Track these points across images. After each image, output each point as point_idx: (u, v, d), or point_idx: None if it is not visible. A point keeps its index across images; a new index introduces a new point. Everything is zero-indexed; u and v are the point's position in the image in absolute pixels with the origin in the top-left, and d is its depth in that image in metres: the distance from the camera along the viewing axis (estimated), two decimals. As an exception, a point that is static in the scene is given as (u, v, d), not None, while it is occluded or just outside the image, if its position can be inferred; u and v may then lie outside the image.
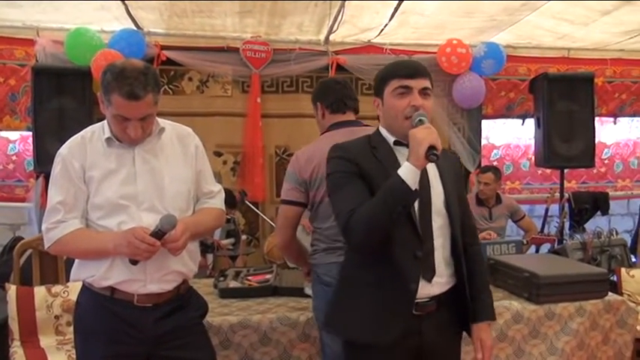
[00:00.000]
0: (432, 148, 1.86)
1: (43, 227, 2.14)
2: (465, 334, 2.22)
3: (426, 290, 2.04)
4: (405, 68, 2.07)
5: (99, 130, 2.19)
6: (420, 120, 1.96)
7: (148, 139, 2.17)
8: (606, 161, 6.15)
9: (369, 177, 2.02)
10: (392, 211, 1.89)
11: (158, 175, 2.16)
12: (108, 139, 2.14)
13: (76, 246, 2.12)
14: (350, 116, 2.73)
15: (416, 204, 2.00)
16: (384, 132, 2.14)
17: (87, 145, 2.15)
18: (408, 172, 1.88)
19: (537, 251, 4.86)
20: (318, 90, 2.85)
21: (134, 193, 2.12)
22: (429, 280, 2.03)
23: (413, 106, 2.01)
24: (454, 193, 2.12)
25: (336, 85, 2.80)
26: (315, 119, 2.86)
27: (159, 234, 2.00)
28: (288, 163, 2.70)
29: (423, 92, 2.04)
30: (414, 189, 1.88)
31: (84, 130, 2.21)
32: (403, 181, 1.87)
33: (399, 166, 1.95)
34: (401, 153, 2.06)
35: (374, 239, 1.96)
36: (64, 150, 2.16)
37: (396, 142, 2.10)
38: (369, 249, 2.03)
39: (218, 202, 2.37)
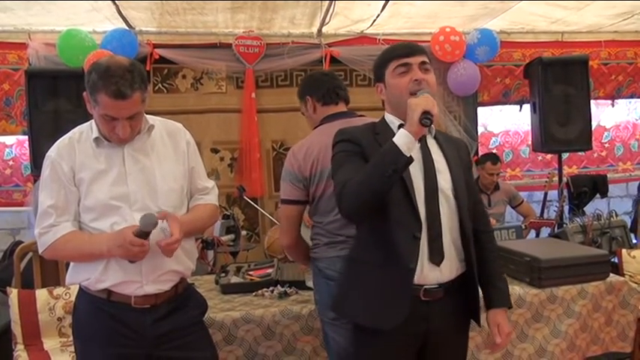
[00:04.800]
0: (426, 112, 1.88)
1: (36, 232, 2.11)
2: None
3: (435, 276, 2.03)
4: (401, 48, 2.12)
5: (87, 130, 2.15)
6: (424, 94, 1.98)
7: (137, 137, 2.14)
8: (607, 145, 6.12)
9: (370, 160, 2.02)
10: (382, 173, 1.89)
11: (149, 174, 2.13)
12: (96, 139, 2.11)
13: (70, 249, 2.09)
14: (342, 107, 2.71)
15: (422, 188, 2.02)
16: (389, 118, 2.17)
17: (75, 146, 2.11)
18: (401, 137, 1.90)
19: (537, 236, 4.86)
20: (306, 84, 2.81)
21: (125, 194, 2.09)
22: (438, 264, 2.03)
23: (415, 81, 2.04)
24: (461, 179, 2.11)
25: (324, 76, 2.78)
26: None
27: (143, 234, 1.97)
28: (286, 157, 2.68)
29: (423, 67, 2.07)
30: (408, 155, 1.88)
31: (72, 131, 2.17)
32: (395, 145, 1.88)
33: None
34: None
35: (364, 204, 1.95)
36: (52, 152, 2.12)
37: (401, 126, 2.05)
38: (360, 215, 2.03)
39: (212, 198, 2.35)
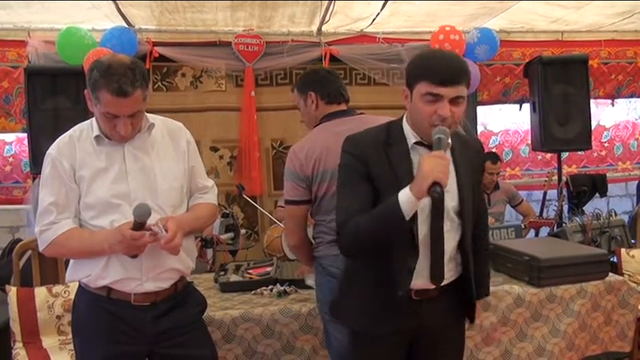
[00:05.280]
0: (435, 184, 1.76)
1: (36, 229, 2.12)
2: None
3: (427, 284, 2.04)
4: (438, 72, 1.87)
5: (87, 128, 2.16)
6: (439, 139, 1.84)
7: (137, 136, 2.14)
8: (606, 144, 6.12)
9: (377, 179, 1.97)
10: (381, 232, 1.89)
11: (150, 173, 2.14)
12: (97, 137, 2.11)
13: (70, 247, 2.10)
14: (343, 107, 2.68)
15: (427, 208, 1.96)
16: (406, 128, 2.02)
17: (76, 144, 2.12)
18: (406, 201, 1.81)
19: (537, 235, 4.86)
20: (310, 79, 2.75)
21: (126, 192, 2.10)
22: (438, 285, 2.03)
23: (439, 116, 1.88)
24: (469, 191, 2.05)
25: (330, 75, 2.76)
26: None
27: (138, 225, 1.97)
28: (285, 156, 2.66)
29: (455, 101, 1.89)
30: (407, 218, 1.84)
31: (72, 129, 2.18)
32: (399, 209, 1.81)
33: (411, 170, 1.92)
34: (418, 153, 1.97)
35: (360, 250, 2.01)
36: (53, 150, 2.13)
37: (417, 143, 1.99)
38: (356, 256, 2.07)
39: (212, 197, 2.37)
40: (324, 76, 2.75)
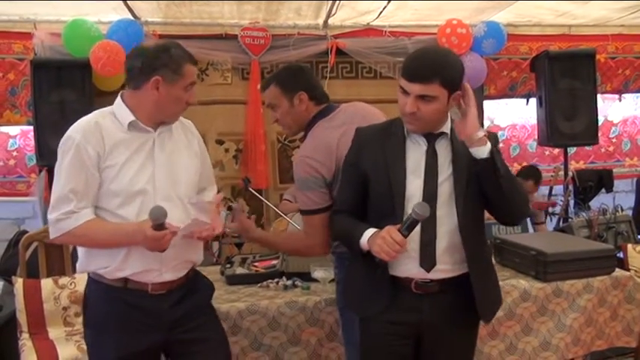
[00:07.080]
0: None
1: (52, 217, 2.06)
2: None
3: (425, 275, 2.05)
4: (407, 68, 1.98)
5: (112, 116, 2.14)
6: (413, 220, 1.91)
7: (166, 128, 2.19)
8: (614, 140, 6.10)
9: (368, 170, 2.10)
10: (347, 245, 2.22)
11: (175, 164, 2.18)
12: (131, 124, 2.11)
13: (92, 238, 2.08)
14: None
15: (419, 193, 2.02)
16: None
17: (102, 131, 2.09)
18: (364, 243, 2.03)
19: (542, 230, 4.86)
20: (297, 77, 2.55)
21: (152, 181, 2.11)
22: (428, 270, 2.04)
23: (404, 110, 2.00)
24: (465, 179, 2.04)
25: (312, 72, 2.70)
26: None
27: (158, 227, 1.97)
28: (291, 149, 2.64)
29: (424, 98, 1.95)
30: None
31: (94, 115, 2.14)
32: (359, 244, 2.05)
33: (403, 160, 2.04)
34: (414, 141, 2.08)
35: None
36: (77, 135, 2.06)
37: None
38: None
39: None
40: (310, 74, 2.64)
